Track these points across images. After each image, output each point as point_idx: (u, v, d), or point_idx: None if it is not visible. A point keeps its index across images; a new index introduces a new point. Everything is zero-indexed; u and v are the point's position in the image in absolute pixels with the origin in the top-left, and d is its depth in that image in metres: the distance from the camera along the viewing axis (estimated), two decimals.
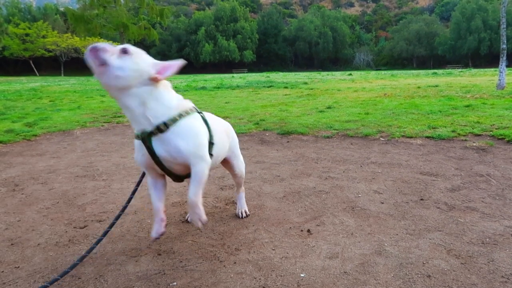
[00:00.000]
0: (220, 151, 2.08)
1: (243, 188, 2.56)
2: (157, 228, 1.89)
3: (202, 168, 1.78)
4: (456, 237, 2.15)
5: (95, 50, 1.56)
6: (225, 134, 2.21)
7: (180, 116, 1.75)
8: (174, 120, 1.72)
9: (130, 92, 1.64)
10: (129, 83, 1.62)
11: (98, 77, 1.61)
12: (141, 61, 1.65)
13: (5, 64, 59.34)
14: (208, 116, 2.03)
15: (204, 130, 1.86)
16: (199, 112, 1.92)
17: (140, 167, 1.92)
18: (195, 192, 1.78)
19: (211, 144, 1.91)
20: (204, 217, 1.82)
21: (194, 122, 1.81)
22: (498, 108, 6.77)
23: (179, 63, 1.72)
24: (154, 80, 1.68)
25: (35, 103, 10.51)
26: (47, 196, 3.01)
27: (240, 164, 2.44)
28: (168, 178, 1.96)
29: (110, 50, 1.58)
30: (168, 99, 1.75)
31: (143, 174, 2.08)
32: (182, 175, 1.90)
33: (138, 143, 1.79)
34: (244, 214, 2.50)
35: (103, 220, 2.52)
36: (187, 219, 2.42)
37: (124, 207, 2.05)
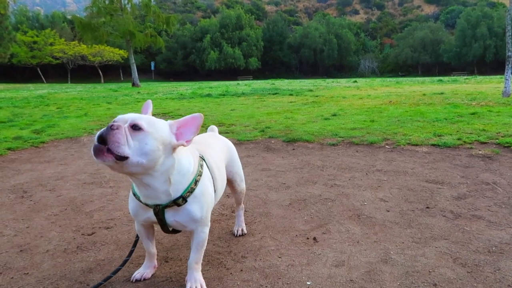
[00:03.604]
0: (220, 190, 1.98)
1: (242, 205, 2.46)
2: (145, 272, 1.88)
3: (205, 234, 1.74)
4: (462, 245, 2.15)
5: (102, 148, 1.34)
6: (222, 163, 2.10)
7: (196, 183, 1.63)
8: (191, 191, 1.61)
9: (155, 172, 1.48)
10: (154, 165, 1.45)
11: (116, 170, 1.42)
12: (158, 134, 1.43)
13: (13, 71, 60.07)
14: (208, 154, 1.90)
15: (211, 191, 1.76)
16: (202, 158, 1.78)
17: (134, 217, 1.77)
18: (196, 258, 1.77)
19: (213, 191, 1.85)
20: (204, 285, 1.78)
21: (206, 187, 1.70)
22: (504, 115, 6.75)
23: (198, 118, 1.51)
24: (176, 148, 1.53)
25: (43, 110, 10.62)
26: (55, 203, 3.05)
27: (239, 181, 2.34)
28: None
29: (122, 138, 1.35)
30: (187, 166, 1.60)
31: (136, 242, 1.99)
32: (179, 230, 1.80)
33: (138, 204, 1.66)
34: (240, 233, 2.38)
35: (110, 227, 2.55)
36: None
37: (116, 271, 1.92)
